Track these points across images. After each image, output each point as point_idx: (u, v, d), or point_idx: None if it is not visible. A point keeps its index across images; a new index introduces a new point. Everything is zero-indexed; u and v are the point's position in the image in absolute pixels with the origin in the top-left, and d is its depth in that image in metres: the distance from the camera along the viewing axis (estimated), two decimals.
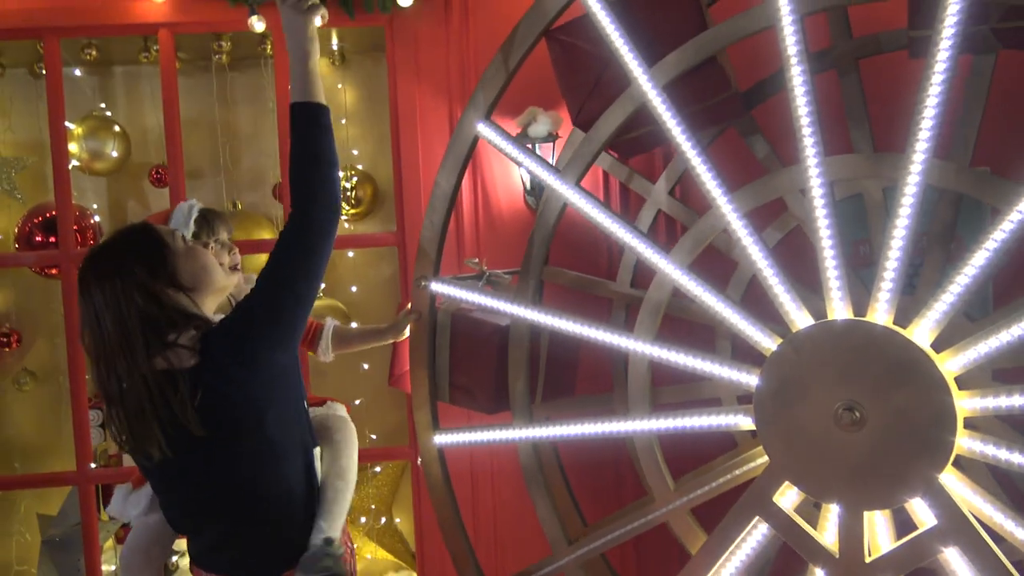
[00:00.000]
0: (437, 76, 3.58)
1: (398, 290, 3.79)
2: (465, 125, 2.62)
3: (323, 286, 4.46)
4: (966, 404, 1.98)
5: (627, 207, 3.62)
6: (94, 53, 4.09)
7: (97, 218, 4.30)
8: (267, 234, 4.28)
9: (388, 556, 4.39)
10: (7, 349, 4.24)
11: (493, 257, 3.45)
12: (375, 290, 4.58)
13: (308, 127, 1.90)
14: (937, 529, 2.01)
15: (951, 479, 2.04)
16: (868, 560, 2.08)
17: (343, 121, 4.50)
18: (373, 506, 4.34)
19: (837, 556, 2.10)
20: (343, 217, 4.40)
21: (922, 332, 2.03)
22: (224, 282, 1.97)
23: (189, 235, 2.44)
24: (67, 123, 3.85)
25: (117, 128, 4.21)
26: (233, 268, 2.54)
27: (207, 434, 1.77)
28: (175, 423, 1.76)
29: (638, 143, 2.91)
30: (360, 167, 4.50)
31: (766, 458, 2.19)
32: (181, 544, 2.35)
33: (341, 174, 4.32)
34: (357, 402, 4.54)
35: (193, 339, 1.82)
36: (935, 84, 1.98)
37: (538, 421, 2.59)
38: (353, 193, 4.36)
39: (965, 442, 1.99)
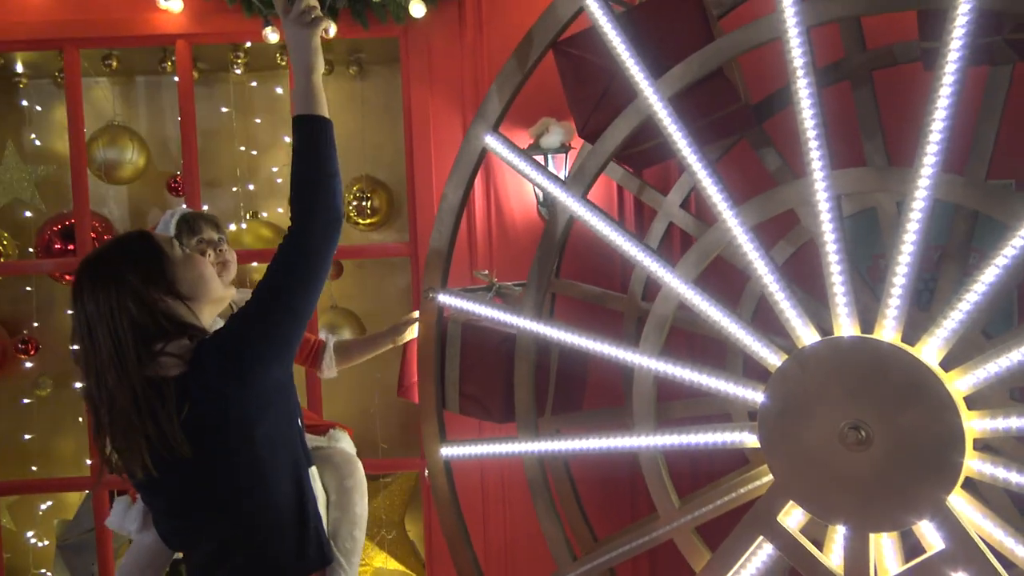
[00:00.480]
0: (451, 86, 3.59)
1: (411, 300, 3.79)
2: (473, 137, 2.62)
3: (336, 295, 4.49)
4: (975, 425, 1.93)
5: (640, 219, 3.60)
6: (115, 63, 4.15)
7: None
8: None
9: (399, 567, 4.38)
10: (25, 356, 4.30)
11: (506, 269, 3.45)
12: (390, 300, 4.59)
13: (310, 140, 1.88)
14: (945, 553, 1.95)
15: (960, 502, 1.98)
16: None
17: (360, 131, 4.53)
18: (384, 516, 4.34)
19: None
20: (359, 226, 4.43)
21: (930, 350, 1.98)
22: (222, 293, 1.94)
23: (171, 236, 2.45)
24: (87, 132, 3.91)
25: (137, 137, 4.27)
26: (220, 265, 2.56)
27: (193, 450, 1.73)
28: (162, 438, 1.72)
29: (648, 155, 2.89)
30: (377, 177, 4.51)
31: (771, 476, 2.15)
32: None
33: (357, 184, 4.39)
34: (369, 412, 4.55)
35: (184, 348, 1.78)
36: (943, 97, 1.94)
37: (545, 434, 2.57)
38: (369, 203, 4.38)
39: (975, 464, 1.94)
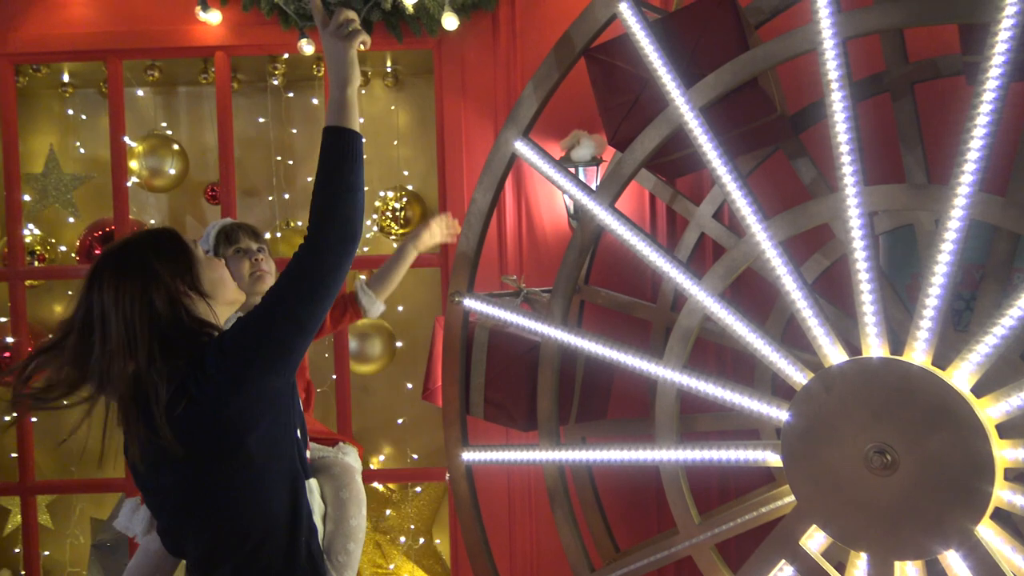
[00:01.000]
0: (484, 97, 3.59)
1: (441, 310, 3.79)
2: (503, 142, 2.62)
3: None
4: (1007, 454, 1.86)
5: (673, 229, 3.56)
6: (157, 74, 4.24)
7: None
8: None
9: None
10: None
11: (535, 277, 3.44)
12: (422, 310, 4.59)
13: (336, 152, 1.84)
14: None
15: (989, 533, 1.91)
16: None
17: (395, 142, 4.56)
18: (412, 526, 4.33)
19: None
20: (393, 236, 4.45)
21: (962, 374, 1.91)
22: (235, 296, 1.96)
23: (208, 247, 2.52)
24: (129, 141, 3.99)
25: (176, 146, 4.35)
26: (256, 275, 2.58)
27: (185, 450, 1.73)
28: (152, 433, 1.72)
29: (679, 165, 2.86)
30: (410, 187, 4.53)
31: (794, 497, 2.09)
32: None
33: (392, 194, 4.42)
34: (400, 421, 4.55)
35: (193, 346, 1.78)
36: (983, 113, 1.89)
37: (567, 443, 2.54)
38: (402, 213, 4.39)
39: (1005, 495, 1.86)
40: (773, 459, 2.12)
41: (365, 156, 4.28)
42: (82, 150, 4.55)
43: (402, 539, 4.35)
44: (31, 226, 4.33)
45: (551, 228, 3.60)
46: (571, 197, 2.58)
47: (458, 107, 3.61)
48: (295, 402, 1.91)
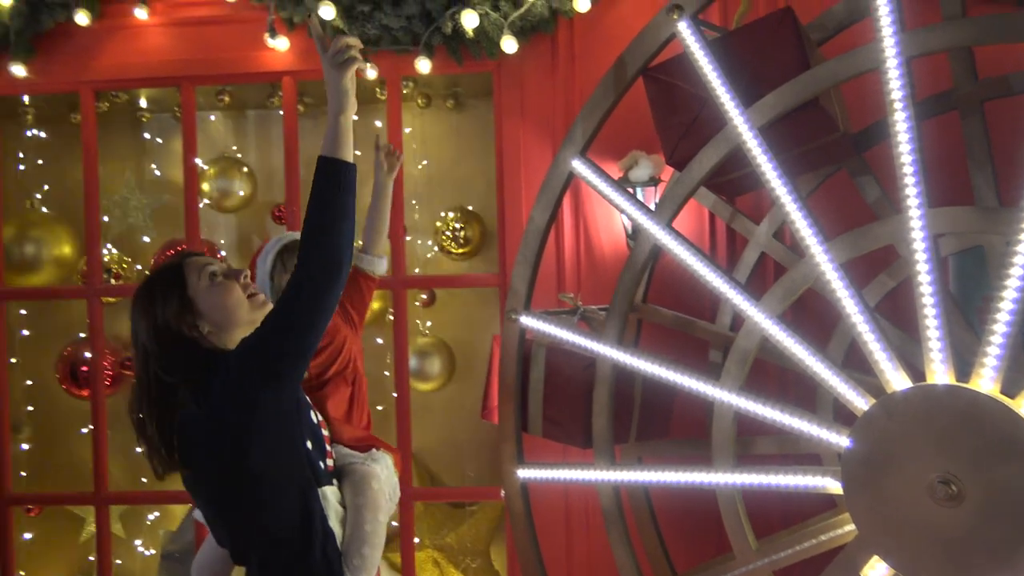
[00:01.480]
0: (542, 119, 3.62)
1: (499, 329, 3.81)
2: (561, 161, 2.64)
3: (429, 323, 4.57)
4: None
5: (733, 247, 3.52)
6: (227, 99, 4.39)
7: (223, 253, 4.57)
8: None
9: None
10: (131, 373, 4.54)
11: (593, 295, 3.43)
12: (481, 329, 4.62)
13: (326, 182, 1.84)
14: None
15: None
16: None
17: (455, 163, 4.62)
18: (469, 545, 4.34)
19: None
20: (452, 256, 4.50)
21: None
22: (248, 316, 1.97)
23: (266, 268, 2.60)
24: (201, 164, 4.14)
25: (245, 169, 4.49)
26: None
27: (193, 462, 1.89)
28: (159, 444, 1.89)
29: (739, 184, 2.83)
30: (470, 207, 4.58)
31: (855, 526, 2.04)
32: None
33: (451, 214, 4.47)
34: (458, 439, 4.57)
35: (204, 371, 1.90)
36: None
37: (623, 463, 2.53)
38: (462, 233, 4.44)
39: None
40: (833, 486, 2.07)
41: (427, 176, 4.37)
42: (157, 172, 4.73)
43: (460, 557, 4.36)
44: (109, 246, 4.51)
45: (609, 246, 3.60)
46: (628, 217, 2.58)
47: (517, 128, 3.65)
48: (302, 415, 1.97)
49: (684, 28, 2.36)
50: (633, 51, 2.51)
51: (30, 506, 4.37)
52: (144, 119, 4.66)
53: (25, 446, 4.53)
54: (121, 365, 4.47)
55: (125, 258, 4.62)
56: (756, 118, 2.29)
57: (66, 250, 4.46)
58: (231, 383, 1.83)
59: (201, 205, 4.07)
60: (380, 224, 2.93)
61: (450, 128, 4.61)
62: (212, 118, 4.64)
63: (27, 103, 4.42)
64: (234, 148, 4.68)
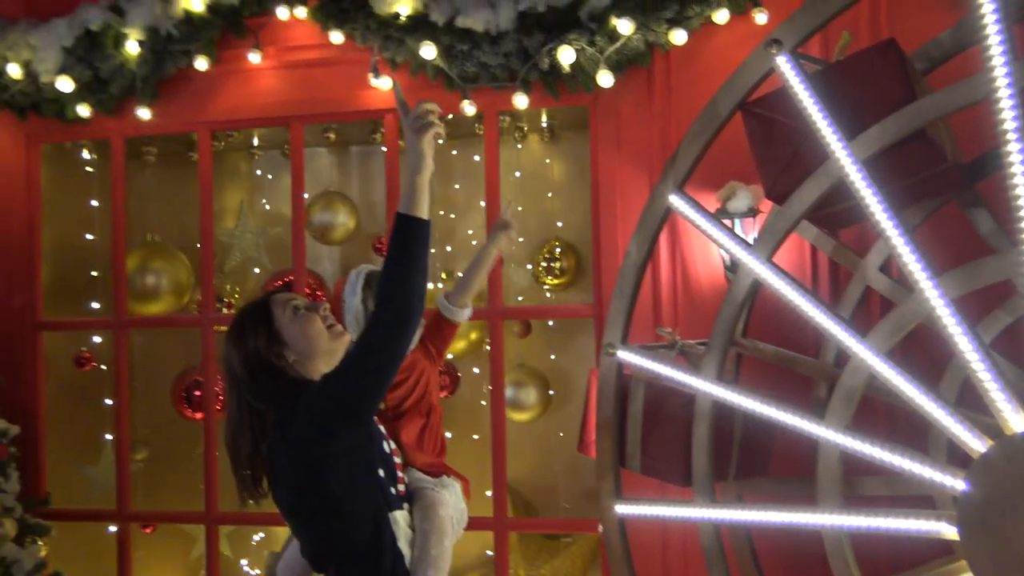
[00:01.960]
0: (638, 151, 3.63)
1: (594, 361, 3.82)
2: (658, 195, 2.64)
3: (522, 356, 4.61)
4: None
5: (835, 281, 3.43)
6: (333, 136, 4.58)
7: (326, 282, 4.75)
8: (477, 301, 4.49)
9: None
10: None
11: (691, 329, 3.39)
12: (575, 360, 4.64)
13: (401, 239, 1.96)
14: None
15: None
16: None
17: (550, 194, 4.67)
18: None
19: None
20: (546, 287, 4.55)
21: None
22: (328, 345, 2.13)
23: (357, 299, 2.71)
24: (307, 198, 4.32)
25: (348, 202, 4.65)
26: None
27: (276, 486, 2.05)
28: (254, 470, 2.06)
29: (841, 216, 2.78)
30: (565, 238, 4.62)
31: (972, 574, 1.95)
32: None
33: (547, 245, 4.52)
34: (553, 470, 4.58)
35: (289, 400, 2.04)
36: None
37: (724, 501, 2.49)
38: (557, 264, 4.49)
39: None
40: (948, 531, 1.99)
41: (521, 208, 4.45)
42: (267, 206, 4.96)
43: None
44: (221, 276, 4.74)
45: (706, 279, 3.57)
46: (728, 252, 2.56)
47: (613, 160, 3.67)
48: (375, 446, 2.13)
49: (783, 63, 2.34)
50: (731, 86, 2.50)
51: (145, 523, 4.59)
52: (255, 156, 4.90)
53: (141, 465, 4.78)
54: None
55: (236, 288, 4.85)
56: (859, 151, 2.25)
57: (182, 280, 4.72)
58: (311, 415, 1.98)
59: (307, 237, 4.24)
60: (472, 283, 2.99)
61: (544, 160, 4.68)
62: (318, 154, 4.84)
63: (149, 142, 4.73)
64: (338, 183, 4.86)
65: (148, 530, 4.67)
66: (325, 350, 2.13)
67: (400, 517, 2.16)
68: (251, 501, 2.14)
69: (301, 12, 3.76)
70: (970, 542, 1.93)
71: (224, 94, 3.97)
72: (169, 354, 4.89)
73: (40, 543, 3.77)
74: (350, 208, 4.66)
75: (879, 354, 2.14)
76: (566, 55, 3.43)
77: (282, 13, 3.75)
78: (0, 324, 4.15)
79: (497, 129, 3.86)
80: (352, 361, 1.99)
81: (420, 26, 3.55)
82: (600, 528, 2.77)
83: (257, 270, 4.87)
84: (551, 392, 4.52)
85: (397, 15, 3.57)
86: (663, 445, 2.69)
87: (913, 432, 3.05)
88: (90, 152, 4.68)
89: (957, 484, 1.96)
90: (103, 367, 4.57)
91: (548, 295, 4.68)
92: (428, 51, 3.52)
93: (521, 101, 3.57)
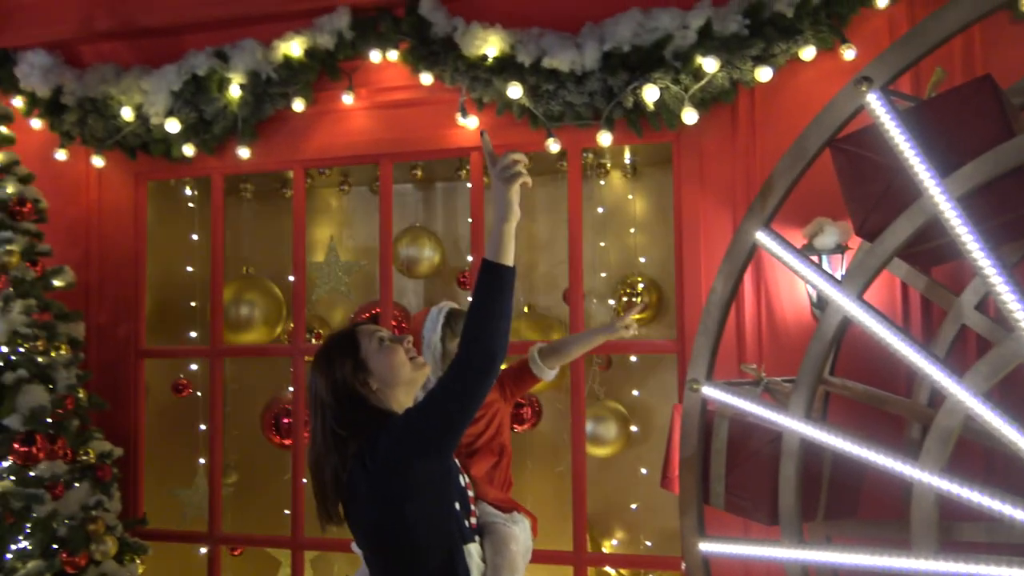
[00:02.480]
0: (721, 187, 3.64)
1: (677, 396, 3.81)
2: (744, 232, 2.65)
3: (603, 389, 4.61)
4: None
5: (928, 319, 3.35)
6: (419, 173, 4.72)
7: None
8: (556, 334, 4.53)
9: None
10: None
11: (775, 366, 3.36)
12: (657, 395, 4.62)
13: (487, 285, 2.00)
14: None
15: None
16: None
17: (632, 230, 4.69)
18: None
19: None
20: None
21: None
22: (411, 375, 2.21)
23: (436, 336, 2.80)
24: (394, 232, 4.45)
25: (434, 237, 4.78)
26: None
27: (355, 514, 2.08)
28: (335, 495, 2.10)
29: (935, 254, 2.73)
30: (647, 273, 4.63)
31: None
32: None
33: (629, 280, 4.54)
34: (633, 507, 4.55)
35: (371, 429, 2.09)
36: None
37: (812, 541, 2.45)
38: (639, 299, 4.49)
39: None
40: None
41: (603, 243, 4.48)
42: (354, 240, 5.13)
43: None
44: (311, 307, 4.91)
45: (792, 316, 3.53)
46: (816, 288, 2.54)
47: (696, 196, 3.68)
48: (452, 480, 2.17)
49: (874, 100, 2.34)
50: (820, 123, 2.50)
51: (234, 546, 4.74)
52: (344, 192, 5.08)
53: (231, 490, 4.94)
54: None
55: (324, 319, 5.01)
56: (954, 188, 2.22)
57: (274, 311, 4.90)
58: (392, 448, 2.03)
59: (393, 270, 4.37)
60: (568, 353, 3.03)
61: (626, 195, 4.72)
62: (405, 190, 4.99)
63: (246, 179, 4.96)
64: (423, 218, 5.00)
65: (236, 552, 4.81)
66: (407, 380, 2.20)
67: (473, 550, 2.20)
68: (331, 526, 2.18)
69: (393, 55, 3.91)
70: None
71: (318, 133, 4.14)
72: (260, 382, 5.08)
73: (138, 562, 3.93)
74: (435, 243, 4.78)
75: (977, 395, 2.09)
76: (650, 93, 3.47)
77: (375, 56, 3.91)
78: (106, 351, 4.38)
79: (580, 166, 3.91)
80: (434, 401, 2.04)
81: (507, 67, 3.66)
82: (683, 566, 2.75)
83: (344, 302, 5.02)
84: (632, 428, 4.51)
85: (485, 57, 3.68)
86: (748, 482, 2.66)
87: (1011, 476, 2.95)
88: (191, 188, 4.93)
89: None
90: (198, 393, 4.77)
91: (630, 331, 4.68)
92: (514, 91, 3.62)
93: (605, 139, 3.62)
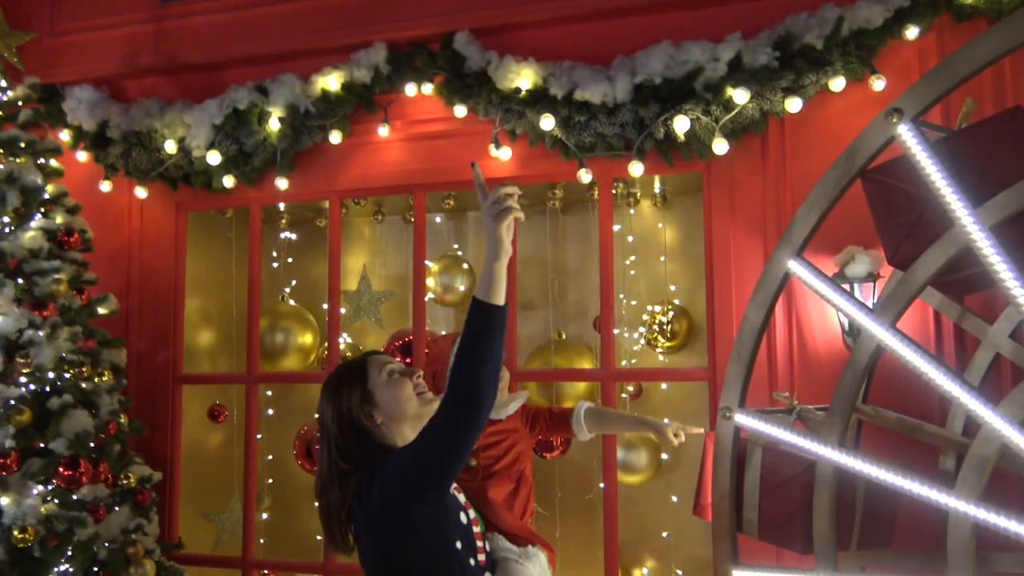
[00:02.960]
0: (752, 216, 3.67)
1: (708, 423, 3.82)
2: (776, 261, 2.67)
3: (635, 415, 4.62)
4: None
5: (962, 348, 3.35)
6: (452, 203, 4.80)
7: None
8: (587, 363, 4.56)
9: None
10: None
11: (806, 394, 3.37)
12: (686, 422, 4.58)
13: (475, 324, 1.93)
14: None
15: None
16: None
17: (662, 258, 4.73)
18: None
19: None
20: (658, 350, 4.57)
21: None
22: (417, 411, 2.17)
23: None
24: (427, 261, 4.53)
25: (466, 266, 4.84)
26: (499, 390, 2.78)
27: (357, 543, 2.08)
28: (340, 526, 2.10)
29: (968, 282, 2.74)
30: (677, 301, 4.66)
31: None
32: None
33: (659, 308, 4.56)
34: (665, 535, 4.54)
35: (370, 465, 2.08)
36: None
37: (847, 571, 2.44)
38: (669, 326, 4.52)
39: None
40: None
41: (633, 272, 4.51)
42: (387, 269, 5.21)
43: None
44: (344, 335, 4.98)
45: (823, 344, 3.54)
46: (849, 317, 2.56)
47: (726, 225, 3.71)
48: (451, 518, 2.11)
49: (905, 131, 2.37)
50: (851, 154, 2.53)
51: (266, 571, 4.78)
52: (378, 221, 5.18)
53: (264, 515, 5.00)
54: None
55: (357, 346, 5.08)
56: (987, 217, 2.24)
57: (308, 339, 4.98)
58: (383, 489, 2.01)
59: (425, 299, 4.43)
60: (610, 427, 3.08)
61: (656, 224, 4.76)
62: (437, 220, 5.07)
63: (282, 209, 5.07)
64: (455, 247, 5.07)
65: None
66: (413, 414, 2.16)
67: None
68: (340, 553, 2.19)
69: (427, 88, 4.01)
70: None
71: (353, 164, 4.23)
72: (293, 409, 5.15)
73: None
74: (467, 271, 4.84)
75: (1013, 423, 2.09)
76: (681, 124, 3.53)
77: (410, 90, 4.01)
78: (145, 377, 4.48)
79: (611, 196, 3.96)
80: (422, 442, 1.99)
81: (540, 99, 3.73)
82: None
83: (377, 330, 5.09)
84: (663, 455, 4.51)
85: (518, 89, 3.76)
86: (782, 511, 2.66)
87: None
88: (229, 218, 5.05)
89: None
90: (234, 420, 4.85)
91: (661, 358, 4.71)
92: (547, 123, 3.69)
93: (636, 169, 3.67)
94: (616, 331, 4.56)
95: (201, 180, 4.31)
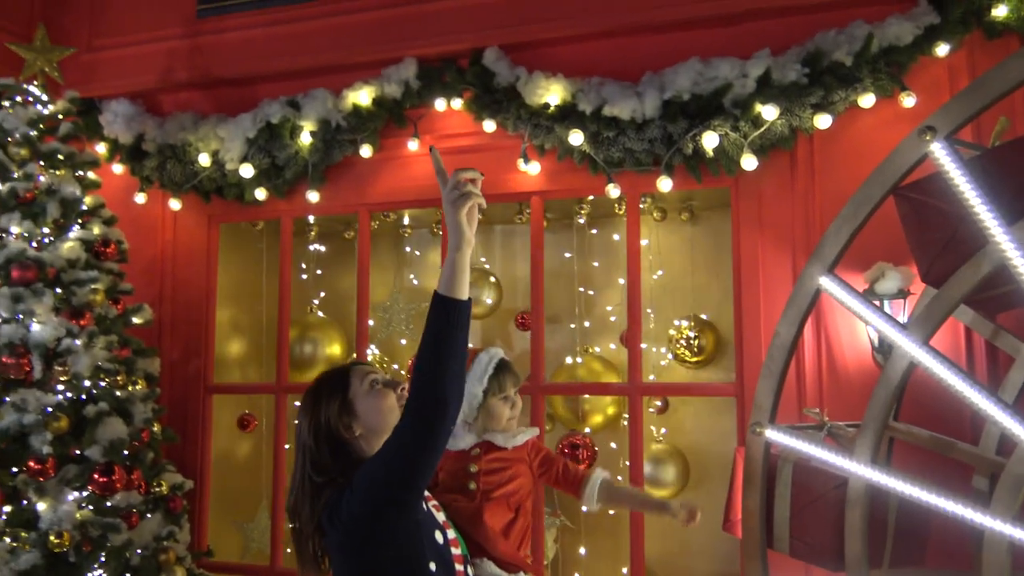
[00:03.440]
0: (780, 231, 3.67)
1: (735, 439, 3.81)
2: (807, 278, 2.68)
3: (664, 431, 4.61)
4: None
5: (994, 366, 3.33)
6: (480, 216, 4.82)
7: None
8: (612, 378, 4.57)
9: None
10: None
11: (836, 411, 3.36)
12: (713, 438, 4.62)
13: (437, 320, 1.82)
14: None
15: None
16: None
17: (690, 272, 4.73)
18: None
19: None
20: (686, 364, 4.57)
21: None
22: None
23: (481, 386, 2.62)
24: None
25: (492, 279, 4.87)
26: (510, 419, 2.73)
27: (330, 562, 2.01)
28: (311, 541, 2.03)
29: (1001, 300, 2.74)
30: (704, 316, 4.66)
31: None
32: None
33: (686, 323, 4.56)
34: (692, 551, 4.52)
35: (343, 478, 1.99)
36: None
37: None
38: (696, 341, 4.52)
39: None
40: None
41: (661, 287, 4.49)
42: (415, 281, 5.25)
43: None
44: (373, 347, 5.02)
45: (853, 360, 3.53)
46: (882, 334, 2.56)
47: (754, 240, 3.72)
48: (424, 536, 1.99)
49: (939, 149, 2.37)
50: (883, 171, 2.53)
51: None
52: (406, 234, 5.23)
53: (291, 525, 5.02)
54: None
55: (386, 358, 5.12)
56: (1021, 236, 2.24)
57: (336, 350, 5.02)
58: (354, 501, 1.91)
59: None
60: (623, 503, 2.99)
61: (685, 239, 4.77)
62: None
63: (311, 221, 5.13)
64: (482, 259, 5.11)
65: None
66: (393, 427, 2.00)
67: None
68: (311, 574, 2.05)
69: (457, 103, 4.05)
70: None
71: (383, 178, 4.28)
72: None
73: None
74: (494, 284, 4.87)
75: None
76: (710, 140, 3.54)
77: (440, 105, 4.06)
78: (177, 386, 4.54)
79: (639, 210, 3.98)
80: (389, 449, 1.88)
81: (569, 115, 3.76)
82: None
83: (404, 342, 5.13)
84: (691, 469, 4.50)
85: (547, 105, 3.80)
86: (813, 527, 2.66)
87: None
88: (260, 230, 5.12)
89: None
90: (263, 429, 4.90)
91: (687, 372, 4.70)
92: (576, 138, 3.72)
93: (665, 184, 3.69)
94: (643, 345, 4.57)
95: (233, 192, 4.38)
